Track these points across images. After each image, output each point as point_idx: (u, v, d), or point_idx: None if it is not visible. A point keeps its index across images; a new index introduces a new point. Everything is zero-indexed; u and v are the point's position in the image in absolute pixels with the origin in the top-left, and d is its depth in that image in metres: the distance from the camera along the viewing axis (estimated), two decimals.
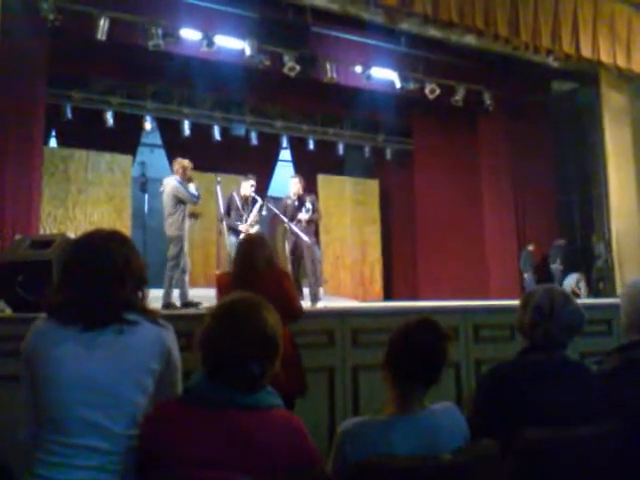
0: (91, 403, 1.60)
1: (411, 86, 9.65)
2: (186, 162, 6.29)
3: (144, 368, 1.68)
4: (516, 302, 2.30)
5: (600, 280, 10.91)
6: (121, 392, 1.63)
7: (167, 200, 6.11)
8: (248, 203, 6.91)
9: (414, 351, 1.79)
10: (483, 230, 11.40)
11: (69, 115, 9.14)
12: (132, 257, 1.79)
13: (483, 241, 11.35)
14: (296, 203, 7.01)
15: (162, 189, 6.20)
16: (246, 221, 6.77)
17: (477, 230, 11.38)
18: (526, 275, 10.99)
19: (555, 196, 11.75)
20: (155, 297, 5.26)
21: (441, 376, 1.83)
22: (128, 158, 9.80)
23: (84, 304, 1.69)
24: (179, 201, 6.08)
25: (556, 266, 11.02)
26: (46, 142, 9.01)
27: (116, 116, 9.48)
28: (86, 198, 9.28)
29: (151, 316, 1.76)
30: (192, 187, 6.22)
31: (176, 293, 6.10)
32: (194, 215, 6.37)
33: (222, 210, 6.70)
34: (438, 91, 9.74)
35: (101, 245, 1.76)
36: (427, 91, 9.70)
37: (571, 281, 10.74)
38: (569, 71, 10.23)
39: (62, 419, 1.61)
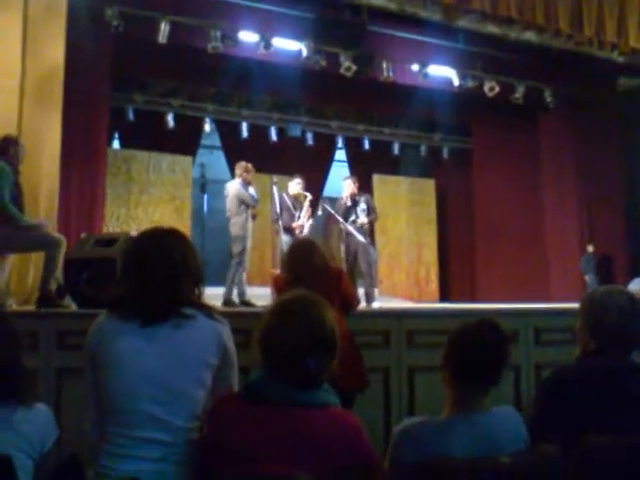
0: (152, 397, 1.64)
1: (469, 84, 9.50)
2: (249, 166, 6.57)
3: (203, 362, 1.71)
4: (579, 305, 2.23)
5: None
6: (181, 386, 1.66)
7: (231, 202, 6.38)
8: (299, 201, 7.01)
9: (474, 352, 1.76)
10: (544, 231, 11.09)
11: (131, 117, 9.38)
12: (189, 254, 1.82)
13: (544, 242, 11.05)
14: (350, 204, 7.02)
15: (226, 193, 6.47)
16: (299, 219, 6.85)
17: (538, 231, 11.08)
18: (587, 277, 10.66)
19: (622, 196, 11.32)
20: (214, 295, 5.37)
21: (501, 378, 1.79)
22: (188, 159, 10.00)
23: (143, 299, 1.73)
24: (242, 202, 6.34)
25: None
26: (109, 143, 9.27)
27: (177, 118, 9.69)
28: (148, 198, 9.53)
29: (207, 311, 1.79)
30: (252, 190, 6.50)
31: (234, 291, 6.27)
32: (253, 216, 6.53)
33: (277, 210, 6.81)
34: (497, 89, 9.53)
35: (159, 242, 1.81)
36: (486, 89, 9.52)
37: (636, 285, 10.34)
38: (636, 66, 9.84)
39: (124, 412, 1.65)
